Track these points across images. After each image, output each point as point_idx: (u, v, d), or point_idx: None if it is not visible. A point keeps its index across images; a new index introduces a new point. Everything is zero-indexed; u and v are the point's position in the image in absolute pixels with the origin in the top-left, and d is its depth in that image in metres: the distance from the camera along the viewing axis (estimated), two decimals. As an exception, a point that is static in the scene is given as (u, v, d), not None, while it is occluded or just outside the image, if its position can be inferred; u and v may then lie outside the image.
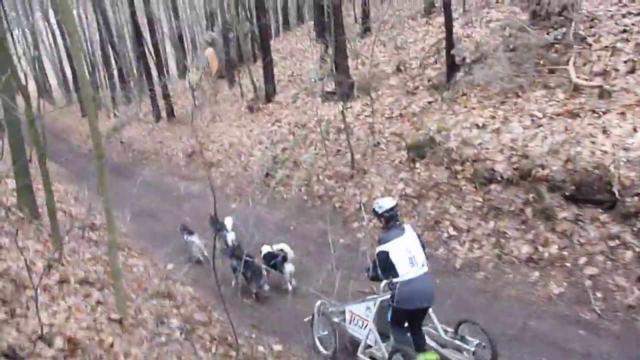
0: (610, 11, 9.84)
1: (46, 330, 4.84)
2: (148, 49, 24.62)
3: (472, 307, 6.53)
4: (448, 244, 7.90)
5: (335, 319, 6.29)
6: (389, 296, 5.32)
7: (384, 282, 5.45)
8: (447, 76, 10.92)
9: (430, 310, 5.43)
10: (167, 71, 31.03)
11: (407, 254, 5.11)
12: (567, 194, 6.83)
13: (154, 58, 23.76)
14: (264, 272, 8.10)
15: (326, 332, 6.35)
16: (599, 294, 6.00)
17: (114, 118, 28.38)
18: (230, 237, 9.53)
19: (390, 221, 5.31)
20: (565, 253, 6.58)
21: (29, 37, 36.96)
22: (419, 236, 5.41)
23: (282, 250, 8.27)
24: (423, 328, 5.55)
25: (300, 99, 15.66)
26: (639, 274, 5.93)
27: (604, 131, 6.98)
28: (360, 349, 5.74)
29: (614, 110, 7.29)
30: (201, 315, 7.08)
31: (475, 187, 7.96)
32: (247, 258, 7.94)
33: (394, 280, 5.12)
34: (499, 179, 7.64)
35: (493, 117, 8.44)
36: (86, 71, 5.81)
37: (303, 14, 26.73)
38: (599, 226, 6.49)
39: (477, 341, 5.20)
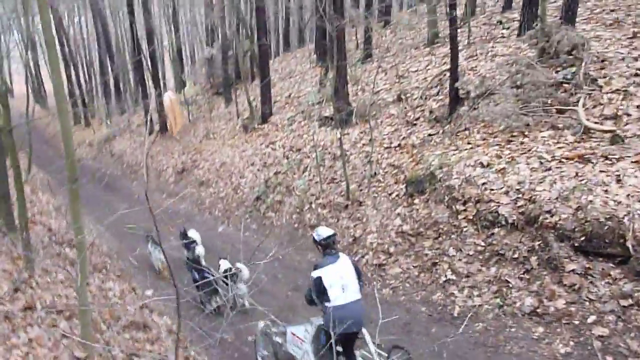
0: (621, 53, 9.53)
1: (-2, 371, 4.30)
2: (145, 60, 24.28)
3: (470, 362, 6.06)
4: (446, 289, 7.42)
5: (277, 339, 6.46)
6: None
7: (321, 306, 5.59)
8: (450, 109, 10.56)
9: (366, 335, 5.65)
10: (164, 84, 30.66)
11: (340, 281, 5.38)
12: (576, 244, 6.38)
13: (151, 70, 23.39)
14: (219, 289, 8.28)
15: (267, 352, 6.62)
16: (609, 359, 5.53)
17: (106, 128, 27.92)
18: (200, 250, 9.27)
19: (327, 249, 5.60)
20: (572, 309, 6.10)
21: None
22: (356, 266, 5.64)
23: (238, 269, 8.33)
24: (359, 352, 5.82)
25: (296, 122, 15.28)
26: (653, 339, 5.48)
27: (618, 180, 6.57)
28: None
29: (628, 157, 6.89)
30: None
31: (477, 230, 7.50)
32: (206, 274, 8.51)
33: (326, 304, 5.36)
34: (503, 222, 7.19)
35: (499, 157, 8.02)
36: (65, 86, 5.42)
37: (304, 36, 26.58)
38: (610, 282, 6.03)
39: None
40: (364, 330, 5.68)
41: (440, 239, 7.99)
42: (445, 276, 7.53)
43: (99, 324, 6.49)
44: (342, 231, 9.96)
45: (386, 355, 5.63)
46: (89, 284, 8.14)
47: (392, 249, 8.65)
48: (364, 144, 11.65)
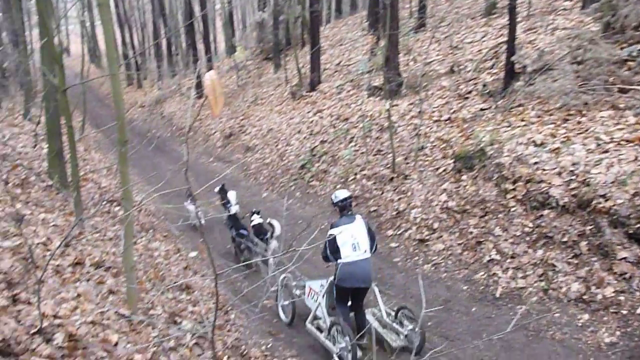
0: (694, 30, 8.95)
1: (47, 323, 4.45)
2: (197, 24, 24.40)
3: (510, 345, 5.95)
4: (489, 269, 7.27)
5: (297, 292, 7.10)
6: None
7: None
8: (505, 83, 10.20)
9: (377, 294, 6.32)
10: (215, 48, 30.79)
11: (352, 240, 5.87)
12: (630, 231, 6.11)
13: (202, 33, 23.50)
14: (252, 246, 8.93)
15: (287, 302, 7.17)
16: (657, 352, 5.33)
17: (157, 90, 28.35)
18: (235, 209, 9.74)
19: (343, 210, 6.15)
20: (621, 298, 5.88)
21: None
22: (369, 228, 6.13)
23: (270, 224, 8.87)
24: (370, 309, 6.57)
25: (345, 91, 15.11)
26: None
27: (681, 167, 6.23)
28: (309, 319, 6.59)
29: (694, 143, 6.52)
30: (218, 315, 6.67)
31: (526, 210, 7.28)
32: (242, 231, 9.15)
33: (338, 261, 5.87)
34: (554, 204, 6.94)
35: (553, 136, 7.70)
36: (114, 48, 5.50)
37: (357, 2, 26.09)
38: (664, 273, 5.78)
39: (411, 326, 5.97)
40: (375, 290, 6.32)
41: (486, 217, 7.81)
42: (490, 256, 7.38)
43: (143, 284, 6.67)
44: (386, 204, 9.88)
45: (394, 313, 6.29)
46: (136, 242, 8.38)
47: (436, 225, 8.53)
48: (412, 116, 11.43)
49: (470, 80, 11.37)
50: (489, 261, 7.35)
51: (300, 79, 17.42)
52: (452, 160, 9.15)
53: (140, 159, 16.25)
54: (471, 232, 7.87)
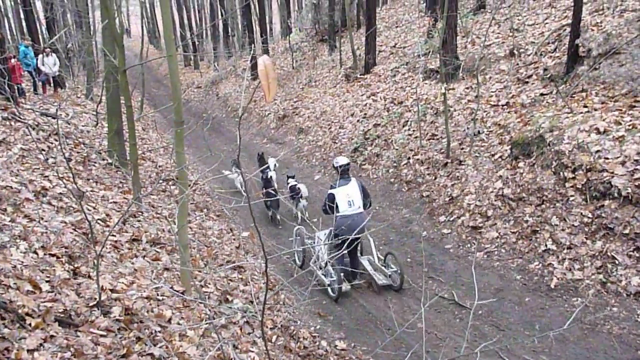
0: None
1: (105, 296, 4.63)
2: (253, 5, 24.51)
3: (564, 337, 5.78)
4: (544, 259, 7.06)
5: (307, 240, 8.39)
6: None
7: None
8: (567, 68, 9.79)
9: (372, 244, 7.75)
10: (271, 30, 30.88)
11: (347, 198, 7.19)
12: (699, 225, 5.81)
13: (258, 15, 23.60)
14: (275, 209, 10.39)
15: (300, 249, 8.48)
16: None
17: (213, 71, 28.76)
18: (271, 174, 11.06)
19: (342, 173, 7.37)
20: (686, 295, 5.62)
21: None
22: (363, 188, 7.47)
23: (299, 187, 10.26)
24: (366, 256, 7.98)
25: (400, 74, 14.89)
26: None
27: None
28: (312, 260, 8.08)
29: None
30: (268, 296, 6.77)
31: (586, 200, 7.01)
32: (271, 191, 10.38)
33: (336, 214, 7.12)
34: (616, 195, 6.65)
35: (618, 123, 7.34)
36: (172, 30, 5.61)
37: (415, -17, 25.52)
38: None
39: (395, 269, 7.32)
40: (370, 240, 7.78)
41: (543, 206, 7.57)
42: (545, 245, 7.16)
43: (197, 262, 6.83)
44: (439, 189, 9.73)
45: (383, 258, 7.65)
46: (190, 221, 8.58)
47: (490, 212, 8.34)
48: (469, 100, 11.17)
49: (530, 64, 10.99)
50: (544, 251, 7.14)
51: (355, 61, 17.28)
52: (509, 147, 8.90)
53: (195, 139, 16.59)
54: (526, 221, 7.66)
